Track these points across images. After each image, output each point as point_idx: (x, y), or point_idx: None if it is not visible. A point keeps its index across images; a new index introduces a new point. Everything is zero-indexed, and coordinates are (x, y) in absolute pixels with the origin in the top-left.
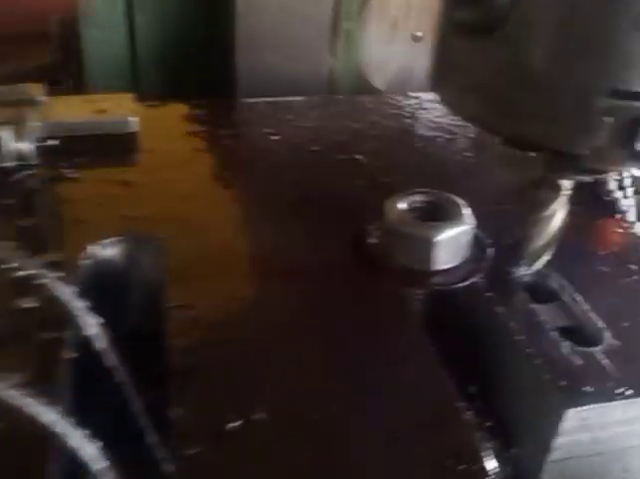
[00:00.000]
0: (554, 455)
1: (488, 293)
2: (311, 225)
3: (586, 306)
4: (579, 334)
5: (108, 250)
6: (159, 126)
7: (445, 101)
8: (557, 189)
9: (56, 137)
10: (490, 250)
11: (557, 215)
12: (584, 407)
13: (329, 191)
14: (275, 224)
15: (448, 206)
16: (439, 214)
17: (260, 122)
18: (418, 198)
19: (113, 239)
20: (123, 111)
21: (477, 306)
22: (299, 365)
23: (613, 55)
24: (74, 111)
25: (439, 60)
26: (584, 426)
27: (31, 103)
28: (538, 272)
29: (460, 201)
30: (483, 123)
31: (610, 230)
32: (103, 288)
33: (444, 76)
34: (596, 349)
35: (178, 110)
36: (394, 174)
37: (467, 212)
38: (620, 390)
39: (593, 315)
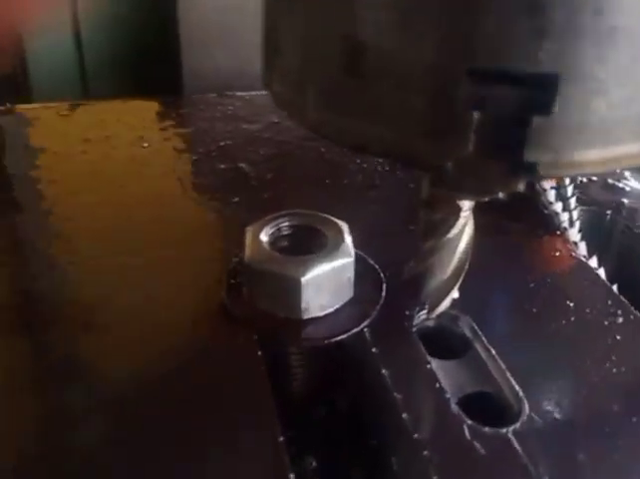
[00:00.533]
0: None
1: (374, 349)
2: (163, 257)
3: (502, 364)
4: (490, 405)
5: None
6: None
7: (276, 99)
8: (455, 208)
9: None
10: (383, 289)
11: (462, 239)
12: None
13: (194, 211)
14: (112, 256)
15: (325, 232)
16: (313, 243)
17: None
18: (288, 222)
19: None
20: None
21: (357, 368)
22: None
23: (473, 16)
24: None
25: (264, 39)
26: None
27: None
28: (443, 316)
29: (342, 225)
30: (319, 128)
31: (545, 253)
32: None
33: (270, 62)
34: (508, 431)
35: None
36: (279, 187)
37: (348, 239)
38: None
39: (509, 378)
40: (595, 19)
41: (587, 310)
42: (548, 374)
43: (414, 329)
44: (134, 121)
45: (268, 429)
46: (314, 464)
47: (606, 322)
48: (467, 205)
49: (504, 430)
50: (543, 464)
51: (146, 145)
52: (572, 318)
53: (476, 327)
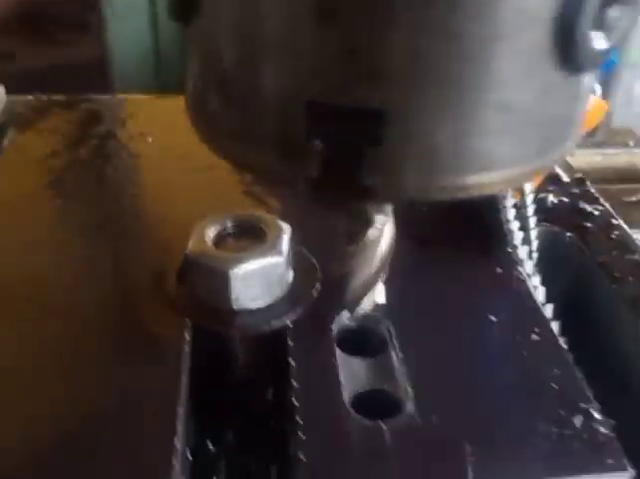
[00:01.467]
0: None
1: (292, 342)
2: None
3: (405, 368)
4: (383, 403)
5: None
6: None
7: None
8: (362, 216)
9: None
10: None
11: (379, 245)
12: None
13: None
14: None
15: (267, 232)
16: (252, 241)
17: None
18: (234, 221)
19: None
20: None
21: (272, 356)
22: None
23: (299, 57)
24: None
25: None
26: None
27: None
28: (367, 318)
29: (285, 227)
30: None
31: (484, 268)
32: None
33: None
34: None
35: None
36: None
37: (285, 240)
38: None
39: (404, 380)
40: (412, 66)
41: (506, 325)
42: (446, 380)
43: (334, 328)
44: None
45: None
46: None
47: (519, 338)
48: (381, 214)
49: (381, 424)
50: (406, 459)
51: None
52: (489, 331)
53: (392, 331)
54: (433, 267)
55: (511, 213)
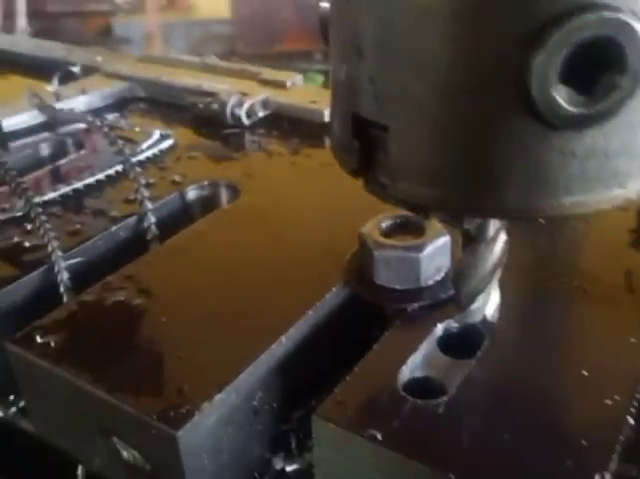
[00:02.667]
0: None
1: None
2: None
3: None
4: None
5: None
6: None
7: None
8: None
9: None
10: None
11: (490, 254)
12: None
13: None
14: None
15: (426, 232)
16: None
17: None
18: (402, 219)
19: None
20: None
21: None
22: None
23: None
24: (297, 97)
25: None
26: None
27: (277, 85)
28: (468, 327)
29: (441, 232)
30: None
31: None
32: None
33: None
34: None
35: None
36: None
37: (434, 242)
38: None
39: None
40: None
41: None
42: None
43: (440, 324)
44: None
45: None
46: None
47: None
48: (491, 229)
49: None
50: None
51: None
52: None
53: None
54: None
55: None
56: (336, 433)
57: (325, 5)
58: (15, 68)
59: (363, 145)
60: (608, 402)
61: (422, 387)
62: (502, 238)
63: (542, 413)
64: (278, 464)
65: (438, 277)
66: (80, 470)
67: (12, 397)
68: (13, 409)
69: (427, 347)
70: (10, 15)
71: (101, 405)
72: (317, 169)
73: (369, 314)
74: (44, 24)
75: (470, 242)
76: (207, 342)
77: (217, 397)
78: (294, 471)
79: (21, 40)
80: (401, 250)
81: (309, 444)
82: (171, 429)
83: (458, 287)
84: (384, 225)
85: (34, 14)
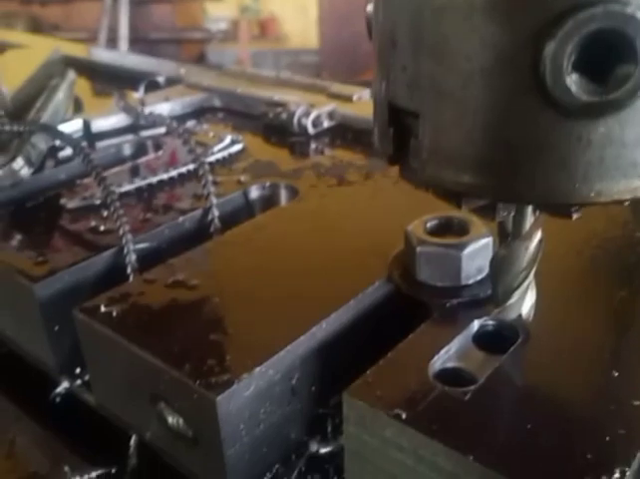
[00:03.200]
0: None
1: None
2: None
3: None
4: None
5: None
6: None
7: None
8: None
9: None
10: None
11: (531, 243)
12: None
13: None
14: None
15: (469, 231)
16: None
17: None
18: (448, 219)
19: None
20: None
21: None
22: None
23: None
24: (362, 109)
25: None
26: None
27: (344, 98)
28: (504, 323)
29: (484, 232)
30: None
31: None
32: None
33: None
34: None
35: None
36: None
37: (477, 242)
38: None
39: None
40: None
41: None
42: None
43: (476, 320)
44: None
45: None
46: None
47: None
48: (527, 226)
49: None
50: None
51: None
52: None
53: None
54: (596, 305)
55: None
56: (364, 411)
57: (370, 7)
58: (109, 80)
59: (397, 132)
60: (636, 403)
61: (452, 377)
62: (538, 235)
63: (568, 408)
64: (314, 447)
65: (479, 277)
66: (132, 440)
67: (78, 370)
68: (78, 382)
69: (461, 341)
70: (113, 40)
71: (151, 370)
72: (374, 176)
73: (409, 309)
74: (144, 49)
75: (505, 238)
76: (254, 321)
77: (257, 370)
78: (328, 453)
79: (117, 56)
80: (442, 248)
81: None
82: (211, 394)
83: (494, 282)
84: (429, 224)
85: (135, 40)
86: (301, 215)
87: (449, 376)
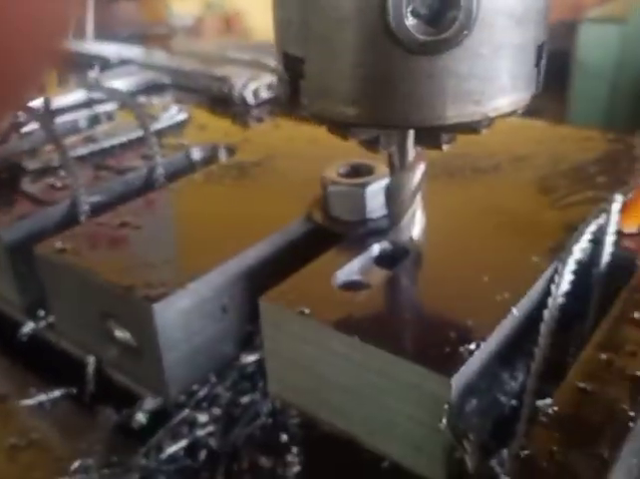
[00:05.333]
0: None
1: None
2: None
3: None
4: None
5: None
6: None
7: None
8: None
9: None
10: None
11: (411, 177)
12: None
13: None
14: None
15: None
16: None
17: None
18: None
19: None
20: None
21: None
22: None
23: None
24: None
25: None
26: None
27: None
28: (398, 245)
29: (385, 173)
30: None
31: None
32: None
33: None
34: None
35: None
36: None
37: (380, 181)
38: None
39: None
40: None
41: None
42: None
43: (376, 244)
44: None
45: None
46: None
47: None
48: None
49: (351, 292)
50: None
51: None
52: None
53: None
54: (480, 224)
55: (595, 224)
56: (276, 312)
57: None
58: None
59: (291, 76)
60: (498, 298)
61: (353, 288)
62: (420, 167)
63: (443, 303)
64: (244, 359)
65: (383, 212)
66: (89, 365)
67: (42, 313)
68: (43, 323)
69: (362, 260)
70: (80, 36)
71: (100, 290)
72: (305, 137)
73: (325, 240)
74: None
75: (394, 169)
76: (189, 249)
77: (189, 286)
78: (254, 361)
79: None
80: (349, 187)
81: None
82: (149, 303)
83: (388, 206)
84: (341, 169)
85: (100, 36)
86: (236, 171)
87: (350, 287)
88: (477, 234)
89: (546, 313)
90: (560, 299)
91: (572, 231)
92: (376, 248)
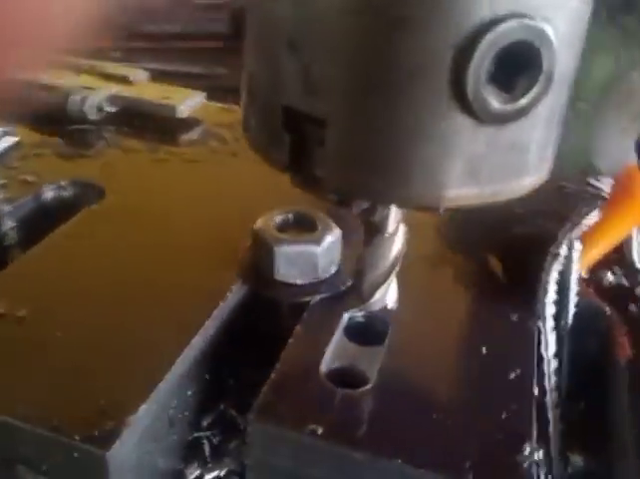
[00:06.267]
0: None
1: (306, 315)
2: None
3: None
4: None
5: None
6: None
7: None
8: (376, 225)
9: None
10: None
11: (392, 246)
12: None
13: None
14: None
15: (319, 226)
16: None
17: None
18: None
19: None
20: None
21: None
22: None
23: (279, 76)
24: (146, 93)
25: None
26: None
27: (121, 80)
28: (373, 314)
29: (334, 227)
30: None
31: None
32: None
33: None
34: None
35: None
36: None
37: (330, 235)
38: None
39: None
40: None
41: (492, 357)
42: (408, 377)
43: (347, 316)
44: None
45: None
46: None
47: (496, 369)
48: (393, 223)
49: (337, 389)
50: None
51: None
52: (474, 358)
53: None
54: (456, 291)
55: (556, 271)
56: (272, 433)
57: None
58: None
59: (295, 139)
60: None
61: (341, 376)
62: (403, 229)
63: (459, 390)
64: (192, 474)
65: (332, 270)
66: None
67: None
68: None
69: (337, 338)
70: None
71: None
72: (181, 166)
73: (270, 311)
74: None
75: (372, 235)
76: (114, 355)
77: (142, 408)
78: None
79: None
80: (301, 244)
81: (226, 449)
82: (98, 449)
83: (360, 280)
84: (277, 220)
85: None
86: (120, 217)
87: (338, 376)
88: (453, 291)
89: (546, 383)
90: (554, 364)
91: None
92: (344, 320)
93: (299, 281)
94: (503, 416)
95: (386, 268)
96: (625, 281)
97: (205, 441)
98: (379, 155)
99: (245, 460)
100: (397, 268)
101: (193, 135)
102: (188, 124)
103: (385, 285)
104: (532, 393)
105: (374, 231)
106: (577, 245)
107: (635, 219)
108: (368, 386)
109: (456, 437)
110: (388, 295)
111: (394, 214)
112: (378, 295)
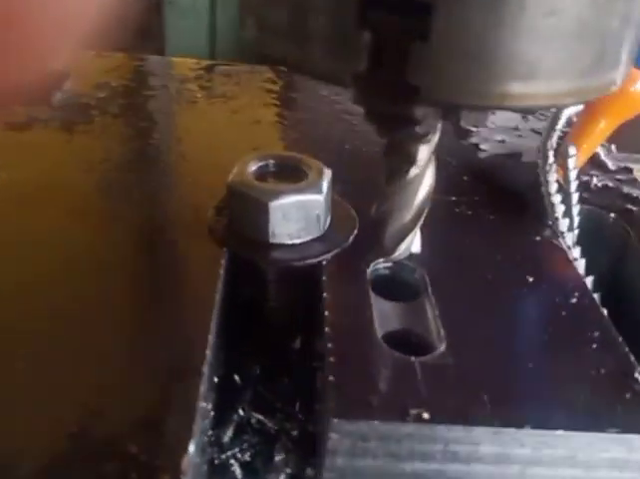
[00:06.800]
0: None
1: (327, 279)
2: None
3: (437, 312)
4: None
5: None
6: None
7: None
8: (408, 155)
9: None
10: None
11: (420, 187)
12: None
13: None
14: None
15: (307, 172)
16: (292, 180)
17: None
18: (276, 160)
19: None
20: None
21: (305, 295)
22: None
23: None
24: None
25: None
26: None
27: None
28: (402, 266)
29: (325, 169)
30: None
31: (524, 235)
32: None
33: None
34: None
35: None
36: None
37: (325, 181)
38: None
39: (438, 323)
40: None
41: (544, 286)
42: (476, 327)
43: (369, 270)
44: None
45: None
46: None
47: (557, 299)
48: (424, 153)
49: (412, 358)
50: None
51: None
52: (526, 289)
53: (427, 280)
54: (471, 226)
55: (554, 187)
56: (368, 430)
57: None
58: None
59: (376, 38)
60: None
61: (396, 340)
62: (434, 164)
63: (535, 329)
64: None
65: (328, 222)
66: None
67: None
68: None
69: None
70: None
71: None
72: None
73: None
74: None
75: (399, 173)
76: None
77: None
78: None
79: None
80: (299, 194)
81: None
82: None
83: (382, 229)
84: (254, 168)
85: None
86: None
87: (398, 343)
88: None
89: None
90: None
91: None
92: (369, 276)
93: (298, 241)
94: (596, 348)
95: (414, 213)
96: (610, 183)
97: (233, 461)
98: (503, 50)
99: (324, 473)
100: (425, 212)
101: None
102: None
103: (412, 234)
104: (604, 316)
105: (404, 164)
106: (572, 151)
107: (622, 112)
108: (441, 349)
109: (567, 383)
110: (414, 243)
111: (428, 145)
112: (404, 246)
